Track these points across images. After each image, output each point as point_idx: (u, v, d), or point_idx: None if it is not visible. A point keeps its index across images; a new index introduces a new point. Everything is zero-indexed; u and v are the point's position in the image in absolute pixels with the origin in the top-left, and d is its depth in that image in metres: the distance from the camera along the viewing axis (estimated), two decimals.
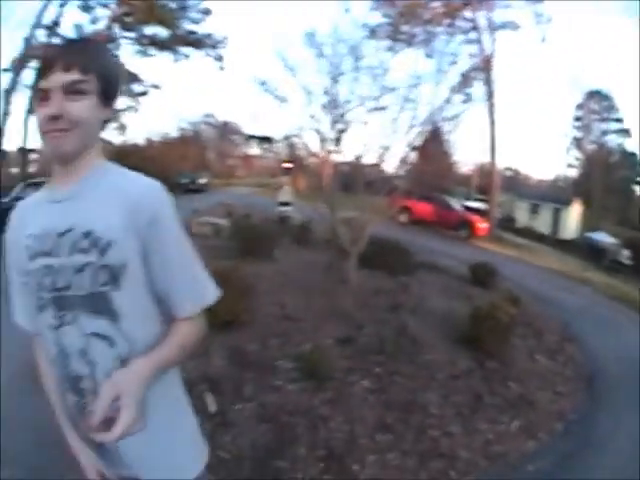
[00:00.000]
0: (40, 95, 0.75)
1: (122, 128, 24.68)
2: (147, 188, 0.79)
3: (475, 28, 17.37)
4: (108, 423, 0.65)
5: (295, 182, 10.69)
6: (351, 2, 9.67)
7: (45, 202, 0.81)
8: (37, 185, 12.62)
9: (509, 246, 14.68)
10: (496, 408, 2.94)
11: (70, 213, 0.76)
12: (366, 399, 2.38)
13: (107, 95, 0.80)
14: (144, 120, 27.17)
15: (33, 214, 0.81)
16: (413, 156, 5.95)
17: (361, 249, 4.92)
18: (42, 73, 0.74)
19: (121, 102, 22.87)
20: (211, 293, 0.84)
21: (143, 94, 23.67)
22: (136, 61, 32.29)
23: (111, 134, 23.36)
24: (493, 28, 17.76)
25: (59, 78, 0.73)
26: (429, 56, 7.09)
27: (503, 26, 17.92)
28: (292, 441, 2.02)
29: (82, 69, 0.74)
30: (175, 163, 25.90)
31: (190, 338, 0.82)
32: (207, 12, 22.37)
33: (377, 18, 10.00)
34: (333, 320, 3.47)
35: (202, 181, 24.18)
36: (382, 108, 5.31)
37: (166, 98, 54.97)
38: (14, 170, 23.40)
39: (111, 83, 0.81)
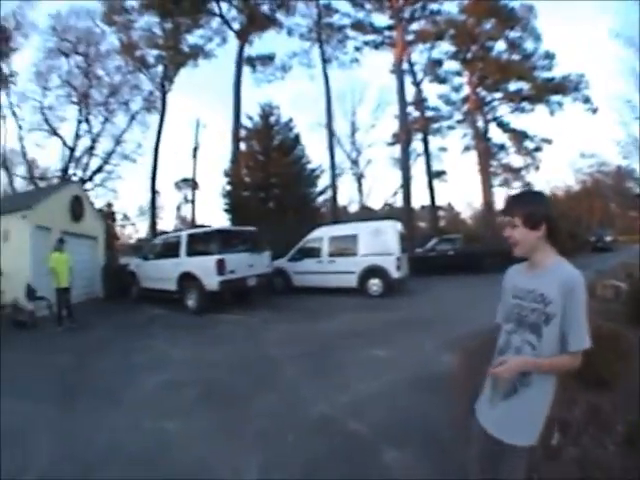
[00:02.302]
0: (507, 224, 1.54)
1: (528, 186, 25.28)
2: (569, 273, 1.43)
3: None
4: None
5: None
6: None
7: (524, 272, 1.58)
8: (448, 241, 14.82)
9: None
10: None
11: (535, 282, 1.50)
12: None
13: (530, 224, 1.47)
14: (546, 175, 28.01)
15: (518, 275, 1.61)
16: None
17: None
18: (504, 212, 1.58)
19: (519, 161, 24.99)
20: (586, 344, 1.41)
21: (537, 150, 24.66)
22: (521, 119, 33.25)
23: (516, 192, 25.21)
24: None
25: (504, 219, 1.57)
26: None
27: None
28: None
29: (509, 214, 1.52)
30: (583, 218, 25.40)
31: (561, 365, 1.46)
32: (550, 56, 22.35)
33: None
34: None
35: (608, 239, 23.88)
36: None
37: (560, 150, 53.64)
38: (421, 224, 29.15)
39: (530, 218, 1.47)
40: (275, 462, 2.72)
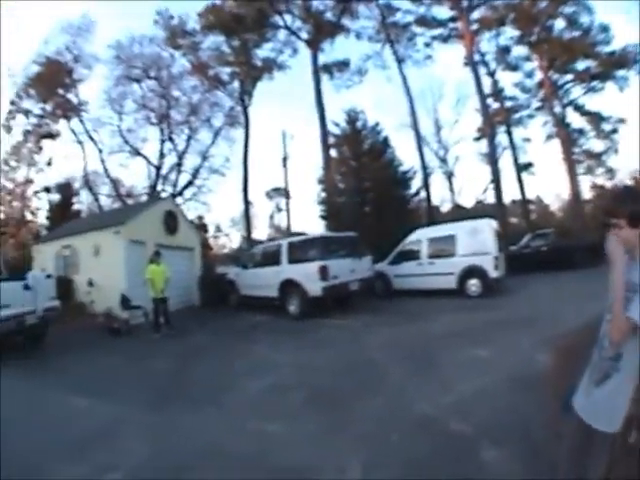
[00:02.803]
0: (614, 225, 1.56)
1: (611, 172, 24.49)
2: None
3: None
4: None
5: None
6: None
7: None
8: (541, 236, 14.69)
9: None
10: None
11: (633, 274, 1.48)
12: None
13: (633, 223, 1.48)
14: (626, 159, 26.32)
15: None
16: None
17: None
18: (607, 214, 1.61)
19: (599, 145, 23.86)
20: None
21: (614, 132, 23.31)
22: (595, 100, 30.76)
23: (600, 179, 24.11)
24: None
25: (611, 221, 1.56)
26: None
27: None
28: None
29: (614, 216, 1.54)
30: None
31: (620, 318, 1.47)
32: (606, 29, 21.58)
33: None
34: None
35: None
36: None
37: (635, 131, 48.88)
38: (513, 219, 28.43)
39: (632, 217, 1.48)
40: (379, 462, 2.83)
